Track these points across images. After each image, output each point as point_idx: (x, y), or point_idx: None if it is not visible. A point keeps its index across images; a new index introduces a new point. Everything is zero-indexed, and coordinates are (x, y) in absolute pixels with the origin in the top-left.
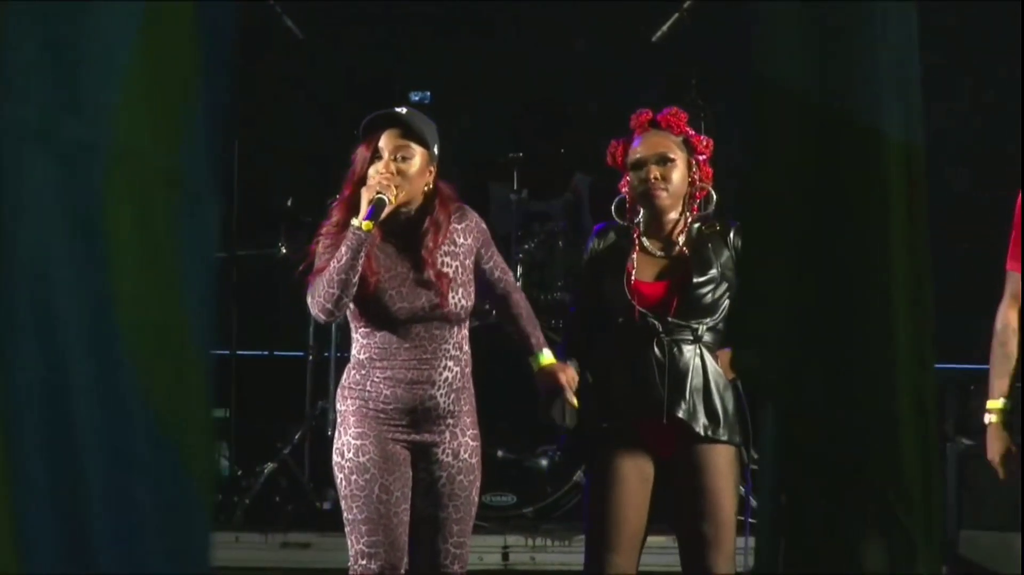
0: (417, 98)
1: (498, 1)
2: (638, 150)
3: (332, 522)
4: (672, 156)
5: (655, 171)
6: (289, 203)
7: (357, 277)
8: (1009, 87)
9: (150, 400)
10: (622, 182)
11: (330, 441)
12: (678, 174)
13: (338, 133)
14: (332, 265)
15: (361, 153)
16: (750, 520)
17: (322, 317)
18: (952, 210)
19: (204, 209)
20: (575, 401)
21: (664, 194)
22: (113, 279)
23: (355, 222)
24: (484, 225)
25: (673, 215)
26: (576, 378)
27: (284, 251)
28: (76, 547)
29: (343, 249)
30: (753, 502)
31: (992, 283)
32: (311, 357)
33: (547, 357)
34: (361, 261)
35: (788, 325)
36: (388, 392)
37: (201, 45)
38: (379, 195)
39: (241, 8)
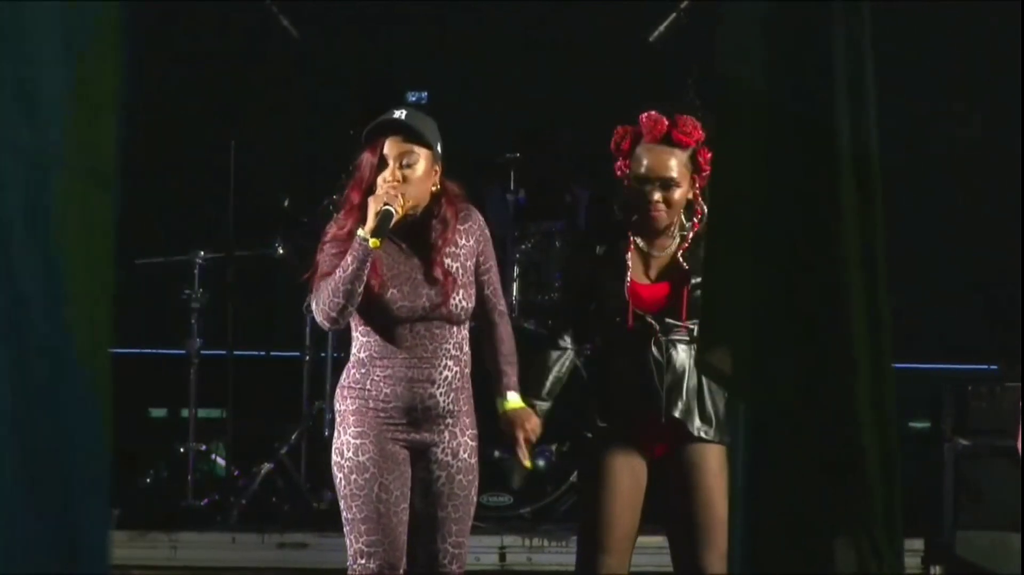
0: (414, 98)
1: (497, 1)
2: (644, 164)
3: (329, 522)
4: (677, 178)
5: (657, 194)
6: (286, 203)
7: (362, 287)
8: (1009, 87)
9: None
10: (619, 164)
11: (327, 441)
12: (680, 194)
13: (335, 133)
14: (337, 274)
15: (367, 158)
16: None
17: (326, 325)
18: (952, 213)
19: (115, 204)
20: (527, 461)
21: (663, 216)
22: (64, 276)
23: (361, 233)
24: (487, 231)
25: (669, 226)
26: (538, 429)
27: (281, 251)
28: None
29: (349, 259)
30: None
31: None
32: (308, 357)
33: (512, 401)
34: (366, 272)
35: (754, 327)
36: (389, 391)
37: (122, 50)
38: (386, 206)
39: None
